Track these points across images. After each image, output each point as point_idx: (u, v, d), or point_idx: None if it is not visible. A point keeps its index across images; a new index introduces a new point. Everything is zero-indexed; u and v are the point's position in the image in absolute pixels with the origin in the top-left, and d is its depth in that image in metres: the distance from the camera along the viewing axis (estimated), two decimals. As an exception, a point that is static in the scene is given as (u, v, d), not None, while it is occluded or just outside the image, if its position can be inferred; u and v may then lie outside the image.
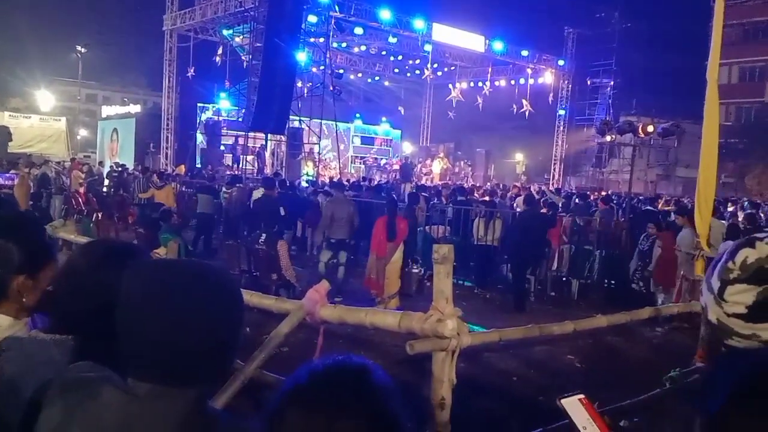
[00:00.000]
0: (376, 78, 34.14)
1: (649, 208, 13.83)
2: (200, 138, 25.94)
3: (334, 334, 5.65)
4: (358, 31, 24.12)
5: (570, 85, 31.69)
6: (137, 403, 1.07)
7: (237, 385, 3.26)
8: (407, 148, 35.19)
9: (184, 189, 17.55)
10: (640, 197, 19.28)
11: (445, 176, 28.37)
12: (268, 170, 22.14)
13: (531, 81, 29.69)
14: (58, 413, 1.10)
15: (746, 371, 0.84)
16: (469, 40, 27.15)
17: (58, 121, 35.10)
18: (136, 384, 1.09)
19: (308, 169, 24.35)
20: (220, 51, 25.70)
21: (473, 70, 30.97)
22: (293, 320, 3.54)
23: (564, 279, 11.17)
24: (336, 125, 24.78)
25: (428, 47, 26.11)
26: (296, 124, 23.16)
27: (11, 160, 20.49)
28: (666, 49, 37.90)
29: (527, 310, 9.42)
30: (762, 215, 16.90)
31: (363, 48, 28.56)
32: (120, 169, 20.57)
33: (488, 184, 25.84)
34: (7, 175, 16.69)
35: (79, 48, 39.12)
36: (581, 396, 1.39)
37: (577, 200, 15.11)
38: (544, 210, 11.94)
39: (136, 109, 32.51)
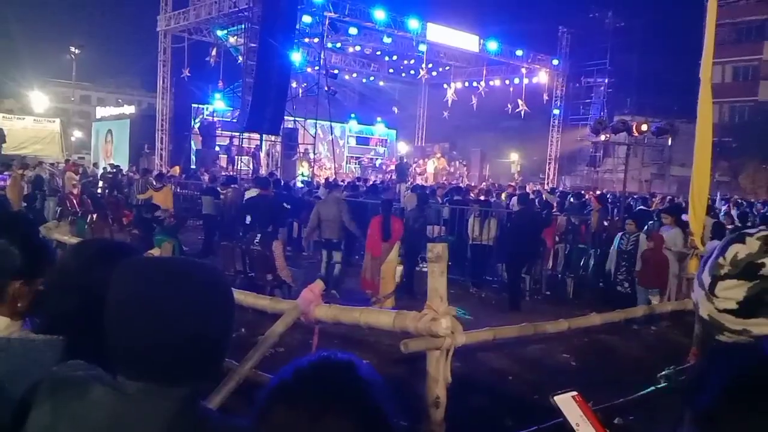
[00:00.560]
0: (371, 78, 34.12)
1: (642, 207, 13.86)
2: (195, 139, 25.90)
3: (329, 334, 5.64)
4: (353, 31, 24.12)
5: (564, 85, 31.77)
6: (127, 402, 1.07)
7: (232, 385, 3.25)
8: (402, 148, 35.19)
9: (179, 190, 17.51)
10: (635, 196, 19.33)
11: (440, 176, 28.38)
12: (263, 171, 22.09)
13: (525, 81, 29.73)
14: (47, 413, 1.09)
15: (735, 367, 0.84)
16: (463, 40, 27.18)
17: (52, 122, 35.03)
18: (126, 382, 1.09)
19: (303, 169, 24.34)
20: (213, 52, 25.63)
21: (468, 70, 31.01)
22: (288, 320, 3.54)
23: (559, 278, 11.20)
24: (331, 126, 24.75)
25: (423, 47, 26.14)
26: (291, 124, 23.16)
27: (5, 161, 20.37)
28: (660, 48, 38.07)
29: (522, 309, 9.42)
30: (755, 212, 17.00)
31: (358, 48, 28.56)
32: (114, 170, 20.52)
33: (483, 183, 25.88)
34: (1, 176, 16.63)
35: (72, 49, 38.96)
36: (574, 393, 1.39)
37: (571, 199, 15.15)
38: (539, 209, 11.97)
39: (130, 110, 32.43)
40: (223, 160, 25.37)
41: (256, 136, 22.45)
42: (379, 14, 23.52)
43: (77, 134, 43.38)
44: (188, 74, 25.80)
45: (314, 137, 23.15)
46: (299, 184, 18.80)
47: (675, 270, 9.13)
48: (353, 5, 22.97)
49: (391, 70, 32.93)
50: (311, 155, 24.26)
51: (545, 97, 30.73)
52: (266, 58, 19.12)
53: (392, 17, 24.17)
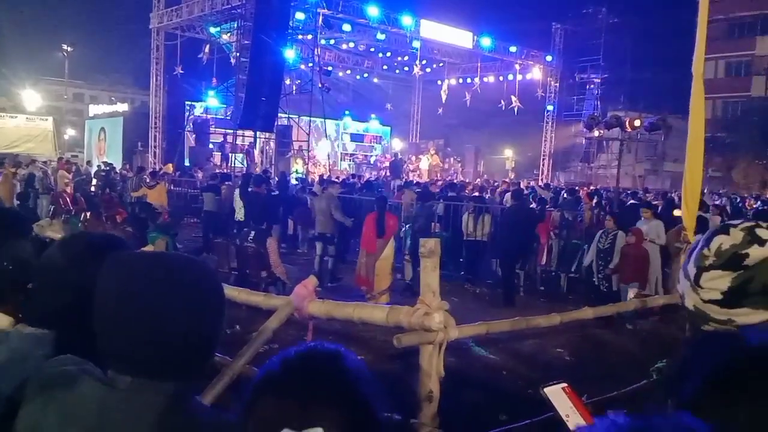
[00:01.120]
0: (365, 75, 34.08)
1: (633, 202, 13.90)
2: (189, 136, 25.84)
3: (323, 330, 5.65)
4: (346, 27, 24.06)
5: (558, 81, 31.83)
6: (117, 396, 1.07)
7: (225, 381, 3.26)
8: (397, 144, 35.19)
9: (172, 188, 17.47)
10: (628, 191, 19.40)
11: (433, 173, 28.41)
12: (257, 168, 22.06)
13: (519, 77, 29.74)
14: (38, 407, 1.10)
15: (717, 357, 0.86)
16: (457, 36, 27.19)
17: (45, 120, 34.84)
18: (117, 377, 1.09)
19: (297, 166, 24.31)
20: (206, 48, 25.56)
21: (462, 66, 31.00)
22: (281, 315, 3.54)
23: (553, 273, 11.23)
24: (324, 122, 24.73)
25: (416, 44, 26.11)
26: (285, 121, 23.11)
27: (-3, 160, 20.30)
28: (653, 44, 38.07)
29: (516, 304, 9.45)
30: (748, 207, 17.08)
31: (351, 45, 28.50)
32: (107, 168, 20.45)
33: (478, 180, 25.91)
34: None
35: (65, 47, 38.80)
36: (564, 385, 1.40)
37: (565, 195, 15.18)
38: (533, 205, 12.00)
39: (123, 107, 32.33)
40: (216, 157, 25.32)
41: (250, 133, 22.42)
42: (373, 11, 23.49)
43: (70, 132, 43.19)
44: (181, 71, 25.70)
45: (308, 134, 23.09)
46: (293, 181, 18.77)
47: (657, 264, 9.09)
48: (346, 2, 22.92)
49: (384, 67, 32.90)
50: (305, 152, 24.21)
51: (539, 93, 30.78)
52: (259, 55, 19.07)
53: (386, 14, 24.13)
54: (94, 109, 34.65)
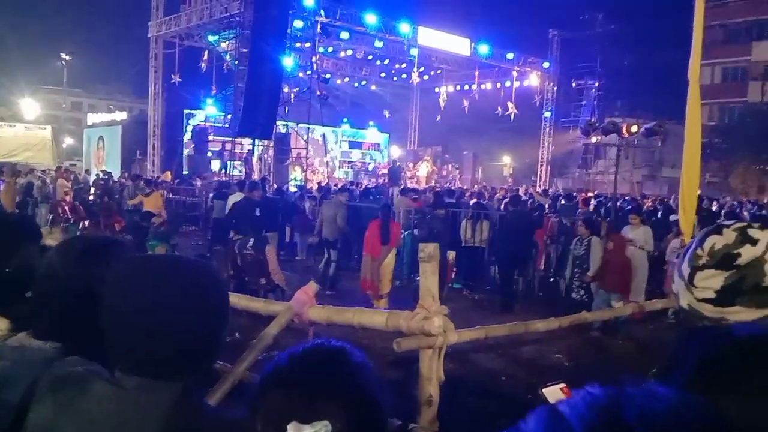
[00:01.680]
0: (363, 82, 34.15)
1: (630, 208, 13.91)
2: (187, 144, 25.86)
3: (324, 336, 5.66)
4: (344, 35, 24.15)
5: (555, 88, 31.89)
6: (126, 396, 1.09)
7: (226, 387, 3.26)
8: (395, 151, 35.24)
9: (171, 196, 17.48)
10: (626, 197, 19.44)
11: (431, 180, 28.45)
12: (255, 176, 22.08)
13: (516, 84, 29.84)
14: (48, 409, 1.11)
15: (707, 349, 0.88)
16: (454, 43, 27.27)
17: (44, 129, 34.89)
18: (124, 377, 1.11)
19: (296, 174, 24.34)
20: (205, 57, 25.62)
21: (459, 73, 31.07)
22: (282, 321, 3.56)
23: (551, 279, 11.23)
24: (324, 136, 24.78)
25: (414, 51, 26.20)
26: (284, 129, 23.14)
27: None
28: (650, 50, 38.20)
29: (515, 310, 9.45)
30: (746, 213, 17.11)
31: (349, 52, 28.59)
32: (106, 177, 20.46)
33: (476, 186, 25.95)
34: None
35: (63, 56, 38.83)
36: (563, 385, 1.43)
37: (563, 201, 15.21)
38: (531, 209, 12.02)
39: (122, 116, 32.36)
40: (215, 165, 25.35)
41: (249, 140, 22.46)
42: (371, 18, 23.58)
43: (69, 141, 43.21)
44: (179, 79, 25.76)
45: (306, 142, 23.13)
46: (292, 189, 18.79)
47: (644, 271, 9.01)
48: (344, 10, 23.03)
49: (382, 74, 32.98)
50: (304, 160, 24.25)
51: (536, 99, 30.86)
52: (258, 63, 19.13)
53: (383, 21, 24.23)
54: (92, 118, 34.72)
